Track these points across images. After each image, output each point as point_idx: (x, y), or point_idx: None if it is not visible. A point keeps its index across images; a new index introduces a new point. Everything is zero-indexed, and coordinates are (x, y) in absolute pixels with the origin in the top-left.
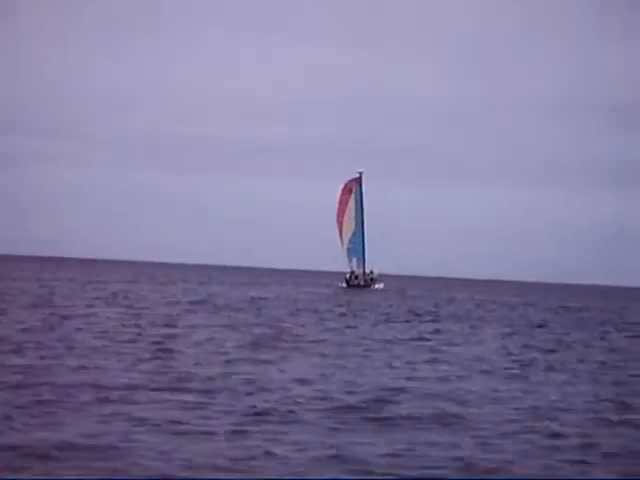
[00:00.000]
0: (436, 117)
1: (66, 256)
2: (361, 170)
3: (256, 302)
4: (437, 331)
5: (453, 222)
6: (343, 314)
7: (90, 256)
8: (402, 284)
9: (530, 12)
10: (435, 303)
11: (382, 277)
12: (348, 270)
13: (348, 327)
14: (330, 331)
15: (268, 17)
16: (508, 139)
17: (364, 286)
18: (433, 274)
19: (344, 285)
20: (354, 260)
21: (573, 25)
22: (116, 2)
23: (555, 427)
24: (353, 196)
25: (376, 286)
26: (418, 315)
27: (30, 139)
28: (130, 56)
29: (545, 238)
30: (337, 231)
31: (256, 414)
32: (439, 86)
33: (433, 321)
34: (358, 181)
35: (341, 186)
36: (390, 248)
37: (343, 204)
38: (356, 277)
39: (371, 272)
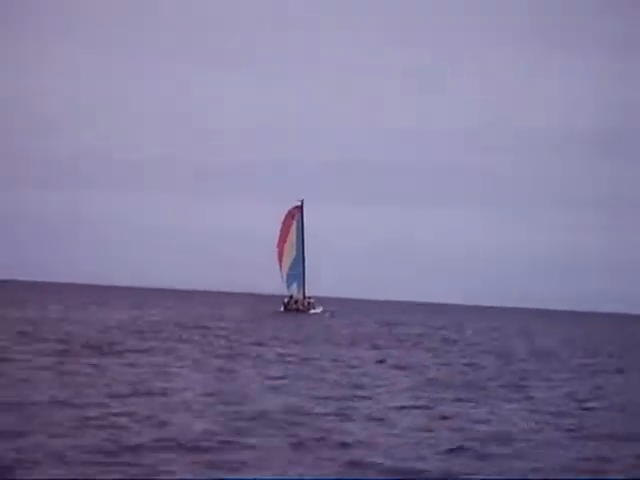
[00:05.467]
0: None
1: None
2: (302, 198)
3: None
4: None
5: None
6: None
7: None
8: (343, 307)
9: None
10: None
11: (322, 301)
12: (287, 294)
13: None
14: None
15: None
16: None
17: (302, 311)
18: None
19: (282, 309)
20: (294, 285)
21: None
22: None
23: None
24: (295, 223)
25: (315, 310)
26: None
27: None
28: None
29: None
30: (277, 257)
31: None
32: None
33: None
34: (300, 209)
35: (283, 214)
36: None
37: (285, 231)
38: (295, 302)
39: (309, 297)
